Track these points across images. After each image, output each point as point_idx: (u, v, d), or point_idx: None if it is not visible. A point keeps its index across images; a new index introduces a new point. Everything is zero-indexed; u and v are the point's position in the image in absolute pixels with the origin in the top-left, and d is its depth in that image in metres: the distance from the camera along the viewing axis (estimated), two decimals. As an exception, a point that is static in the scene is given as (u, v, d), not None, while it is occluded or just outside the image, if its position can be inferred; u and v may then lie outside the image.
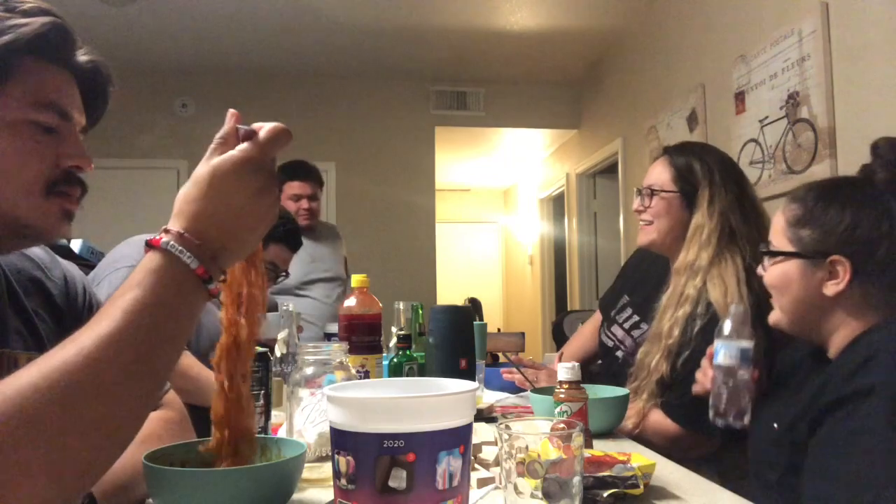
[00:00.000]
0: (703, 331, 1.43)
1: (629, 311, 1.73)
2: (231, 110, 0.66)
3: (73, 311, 0.97)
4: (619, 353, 1.71)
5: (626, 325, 1.71)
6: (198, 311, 0.61)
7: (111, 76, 0.89)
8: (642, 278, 1.75)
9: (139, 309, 0.56)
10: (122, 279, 2.02)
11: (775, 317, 1.16)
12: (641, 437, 1.44)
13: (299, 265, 2.78)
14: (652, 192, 1.56)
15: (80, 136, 0.83)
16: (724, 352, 1.18)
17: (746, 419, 1.17)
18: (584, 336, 2.00)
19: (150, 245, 0.59)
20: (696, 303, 1.46)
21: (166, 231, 0.60)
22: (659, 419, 1.47)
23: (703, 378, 1.26)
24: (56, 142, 0.79)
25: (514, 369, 1.76)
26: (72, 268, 1.00)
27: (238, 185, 0.61)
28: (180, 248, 0.58)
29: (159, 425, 0.99)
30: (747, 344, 1.17)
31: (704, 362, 1.27)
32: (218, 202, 0.61)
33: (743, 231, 1.49)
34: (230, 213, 0.61)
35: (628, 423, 1.45)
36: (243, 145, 0.63)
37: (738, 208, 1.50)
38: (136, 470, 0.86)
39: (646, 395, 1.48)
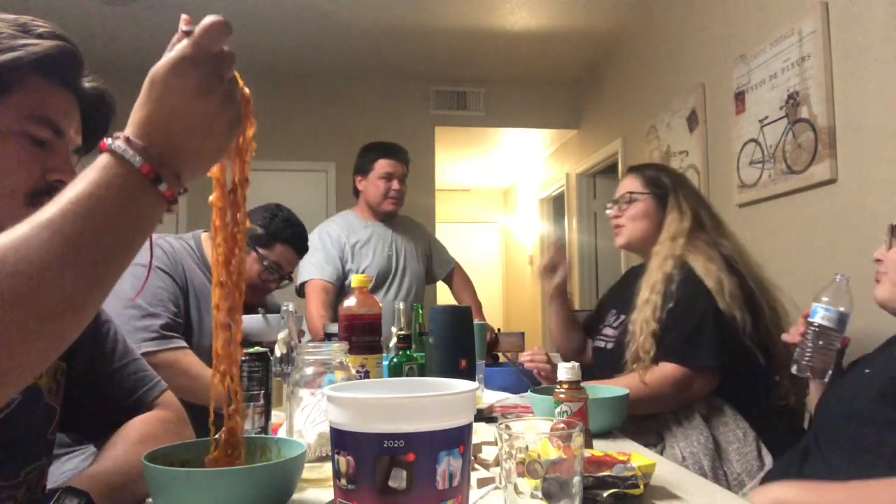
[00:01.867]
0: (683, 284, 1.62)
1: (616, 315, 1.88)
2: (183, 15, 0.64)
3: None
4: (611, 346, 1.79)
5: (615, 324, 1.85)
6: (149, 213, 0.59)
7: (114, 105, 0.92)
8: (623, 291, 1.92)
9: (77, 199, 0.55)
10: (126, 278, 1.97)
11: (885, 294, 1.27)
12: (649, 400, 1.54)
13: (383, 259, 2.70)
14: (630, 198, 1.83)
15: (72, 154, 0.85)
16: (822, 313, 1.30)
17: (827, 376, 1.29)
18: (552, 329, 2.06)
19: (99, 150, 0.59)
20: (673, 268, 1.66)
21: (116, 137, 0.59)
22: (660, 369, 1.58)
23: (794, 332, 1.38)
24: (46, 156, 0.81)
25: (532, 358, 1.79)
26: None
27: (175, 84, 0.60)
28: (124, 147, 0.57)
29: (156, 425, 0.99)
30: (846, 310, 1.29)
31: (800, 319, 1.38)
32: (159, 104, 0.59)
33: (709, 224, 1.77)
34: (172, 114, 0.60)
35: (639, 374, 1.57)
36: (179, 44, 0.61)
37: (704, 207, 1.81)
38: (132, 470, 0.86)
39: (645, 350, 1.60)
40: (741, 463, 1.49)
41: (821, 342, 1.30)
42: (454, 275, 2.98)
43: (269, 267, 1.95)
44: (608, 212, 1.92)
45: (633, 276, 1.93)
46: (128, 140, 0.58)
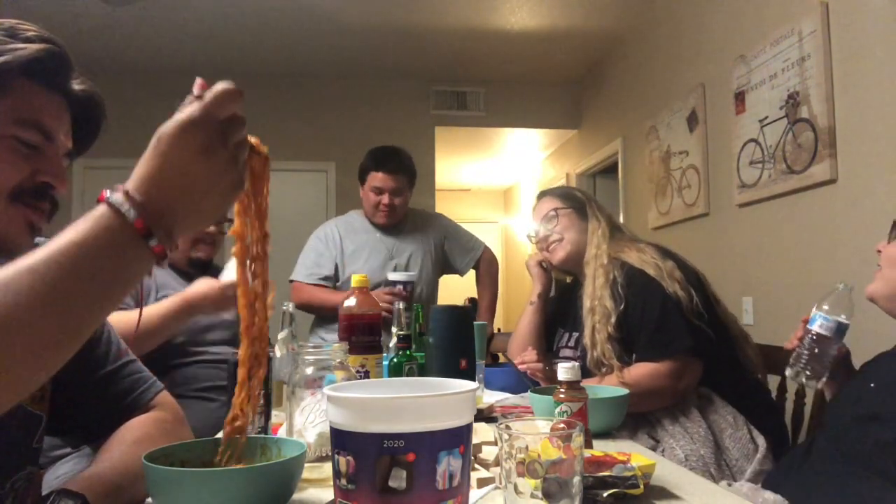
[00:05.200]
0: (627, 282, 1.66)
1: (567, 334, 1.90)
2: (198, 79, 0.65)
3: None
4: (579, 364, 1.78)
5: (571, 344, 1.86)
6: (136, 267, 0.60)
7: (104, 107, 0.92)
8: (564, 307, 1.95)
9: (64, 247, 0.55)
10: None
11: (876, 288, 1.30)
12: (640, 397, 1.52)
13: (376, 265, 2.64)
14: (557, 213, 1.88)
15: (63, 158, 0.85)
16: (821, 321, 1.32)
17: (820, 383, 1.32)
18: (522, 333, 2.01)
19: (98, 201, 0.60)
20: (609, 272, 1.70)
21: (115, 189, 0.60)
22: (644, 368, 1.59)
23: (792, 337, 1.39)
24: (36, 159, 0.81)
25: (523, 360, 1.79)
26: None
27: (180, 144, 0.61)
28: (121, 201, 0.58)
29: (153, 426, 0.99)
30: (845, 321, 1.30)
31: (800, 324, 1.40)
32: (161, 162, 0.61)
33: (624, 227, 1.92)
34: (174, 172, 0.61)
35: (616, 376, 1.57)
36: (189, 107, 0.63)
37: (614, 217, 1.93)
38: (128, 470, 0.86)
39: (607, 357, 1.61)
40: (737, 448, 1.51)
41: (817, 350, 1.32)
42: (480, 264, 2.89)
43: None
44: (534, 234, 1.93)
45: (567, 295, 1.96)
46: (126, 194, 0.59)
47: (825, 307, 1.32)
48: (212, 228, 1.95)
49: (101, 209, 0.58)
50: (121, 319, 1.64)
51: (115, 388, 1.01)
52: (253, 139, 0.70)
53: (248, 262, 0.73)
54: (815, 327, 1.32)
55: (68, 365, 0.96)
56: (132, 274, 0.60)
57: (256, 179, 0.71)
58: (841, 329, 1.30)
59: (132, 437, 0.95)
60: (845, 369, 1.42)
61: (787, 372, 1.36)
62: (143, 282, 0.71)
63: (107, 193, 0.59)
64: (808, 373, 1.32)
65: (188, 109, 0.62)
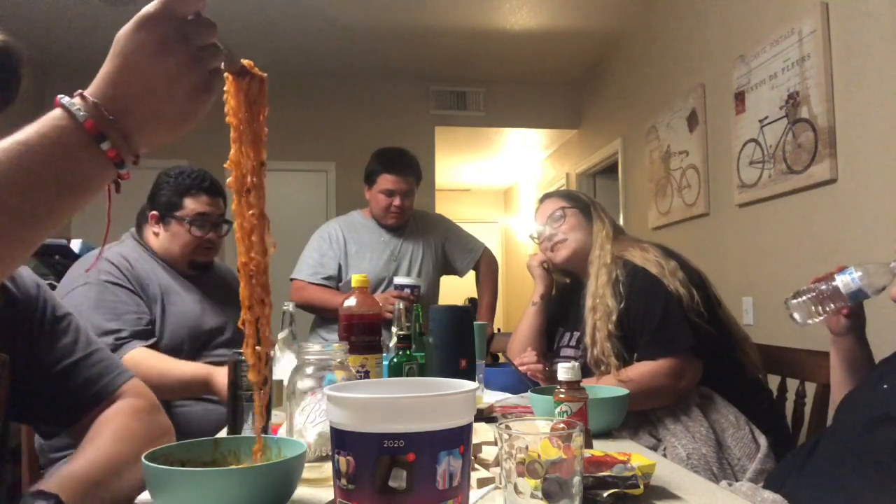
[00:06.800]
0: (629, 280, 1.66)
1: (568, 334, 1.89)
2: None
3: (26, 304, 0.96)
4: (580, 363, 1.78)
5: (573, 343, 1.86)
6: (88, 172, 0.57)
7: (23, 56, 0.87)
8: (564, 307, 1.95)
9: (8, 146, 0.53)
10: (78, 297, 1.91)
11: None
12: (640, 396, 1.52)
13: (380, 266, 2.65)
14: (563, 213, 1.88)
15: None
16: (848, 278, 1.29)
17: (802, 323, 1.33)
18: (523, 334, 2.02)
19: (54, 106, 0.58)
20: (612, 271, 1.70)
21: (75, 94, 0.58)
22: (643, 367, 1.59)
23: (815, 276, 1.38)
24: None
25: (522, 361, 1.79)
26: (22, 269, 1.00)
27: (135, 41, 0.58)
28: (72, 101, 0.56)
29: (131, 416, 0.97)
30: (867, 290, 1.28)
31: (835, 268, 1.38)
32: (118, 62, 0.58)
33: (626, 230, 1.95)
34: (130, 72, 0.58)
35: (613, 375, 1.58)
36: (147, 5, 0.60)
37: (615, 220, 1.93)
38: (105, 466, 0.84)
39: (606, 355, 1.61)
40: (739, 447, 1.51)
41: (822, 297, 1.31)
42: (480, 264, 2.90)
43: (193, 221, 1.92)
44: (537, 234, 1.92)
45: (567, 294, 1.96)
46: (81, 95, 0.57)
47: (860, 271, 1.29)
48: (211, 234, 1.96)
49: (55, 111, 0.56)
50: (142, 362, 1.63)
51: (83, 375, 0.99)
52: (246, 61, 0.67)
53: (243, 191, 0.69)
54: (839, 279, 1.30)
55: (27, 355, 0.94)
56: (84, 179, 0.57)
57: (252, 104, 0.68)
58: (858, 295, 1.29)
59: (110, 430, 0.93)
60: (857, 337, 1.41)
61: (785, 298, 1.35)
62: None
63: (60, 96, 0.57)
64: (799, 308, 1.31)
65: (146, 7, 0.59)
